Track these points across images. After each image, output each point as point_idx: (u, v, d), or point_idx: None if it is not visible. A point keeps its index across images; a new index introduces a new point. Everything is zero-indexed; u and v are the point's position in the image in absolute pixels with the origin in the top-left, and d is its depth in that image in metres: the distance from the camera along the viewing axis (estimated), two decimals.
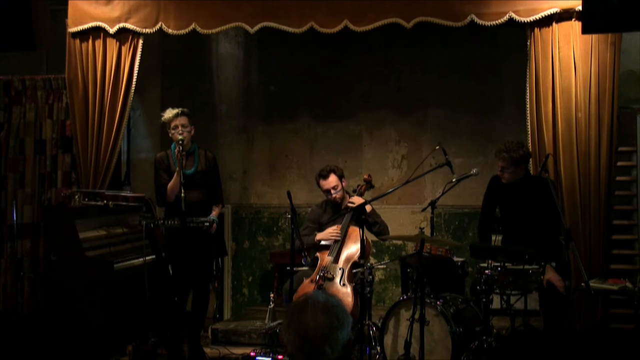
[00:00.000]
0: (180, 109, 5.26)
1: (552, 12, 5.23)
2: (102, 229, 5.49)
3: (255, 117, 7.32)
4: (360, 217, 4.91)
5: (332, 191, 5.38)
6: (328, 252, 5.23)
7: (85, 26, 5.84)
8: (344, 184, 5.48)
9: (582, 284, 4.59)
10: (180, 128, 5.21)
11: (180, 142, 5.15)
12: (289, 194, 4.94)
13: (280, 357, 5.03)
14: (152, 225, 5.12)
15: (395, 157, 7.06)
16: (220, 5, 5.68)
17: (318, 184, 5.46)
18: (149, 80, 6.97)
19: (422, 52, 6.93)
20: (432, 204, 5.06)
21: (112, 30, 5.81)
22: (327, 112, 7.17)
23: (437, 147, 5.23)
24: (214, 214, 5.38)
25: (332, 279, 5.06)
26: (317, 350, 2.12)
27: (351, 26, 5.52)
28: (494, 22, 5.34)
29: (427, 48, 6.87)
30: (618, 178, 5.55)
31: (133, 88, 5.89)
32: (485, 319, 4.74)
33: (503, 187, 5.08)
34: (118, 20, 5.80)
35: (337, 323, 2.14)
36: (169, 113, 5.25)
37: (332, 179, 5.37)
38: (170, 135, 5.30)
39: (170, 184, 5.26)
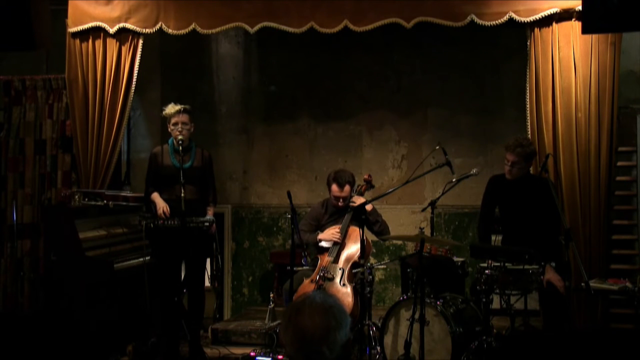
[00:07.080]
0: (182, 105, 5.21)
1: (552, 12, 5.23)
2: (102, 229, 5.50)
3: (255, 117, 7.32)
4: (360, 217, 4.91)
5: (342, 201, 5.36)
6: (328, 252, 5.23)
7: (85, 26, 5.84)
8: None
9: (582, 284, 4.59)
10: (180, 125, 5.17)
11: (180, 141, 5.14)
12: (289, 194, 4.93)
13: (280, 357, 5.03)
14: (152, 225, 5.11)
15: (395, 157, 7.05)
16: (220, 5, 5.68)
17: (329, 185, 5.40)
18: (149, 80, 6.96)
19: (422, 52, 6.93)
20: (432, 204, 5.07)
21: (112, 30, 5.81)
22: (327, 112, 7.16)
23: (437, 147, 5.23)
24: (209, 214, 5.33)
25: (332, 279, 5.06)
26: (315, 351, 2.11)
27: (351, 26, 5.52)
28: (494, 22, 5.34)
29: (427, 48, 6.86)
30: (618, 178, 5.54)
31: (133, 88, 5.90)
32: (485, 319, 4.74)
33: (503, 187, 5.09)
34: (118, 20, 5.80)
35: (335, 323, 2.13)
36: (171, 108, 5.21)
37: (347, 190, 5.33)
38: (169, 130, 5.26)
39: (154, 200, 5.23)
